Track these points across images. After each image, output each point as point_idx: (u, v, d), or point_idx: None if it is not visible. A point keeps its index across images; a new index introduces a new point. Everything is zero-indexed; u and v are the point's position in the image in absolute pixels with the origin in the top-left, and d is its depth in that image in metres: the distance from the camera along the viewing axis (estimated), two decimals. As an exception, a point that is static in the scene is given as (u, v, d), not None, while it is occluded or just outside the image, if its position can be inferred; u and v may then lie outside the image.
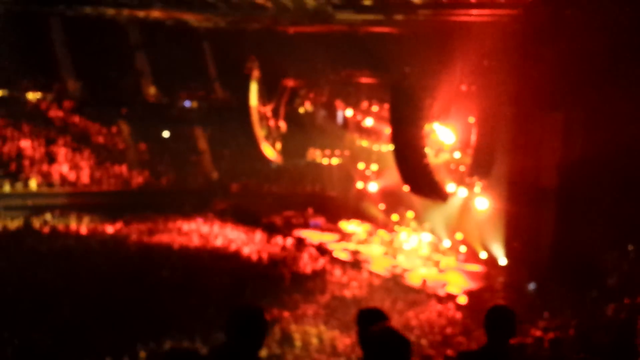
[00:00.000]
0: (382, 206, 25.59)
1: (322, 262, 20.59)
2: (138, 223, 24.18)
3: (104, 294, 15.34)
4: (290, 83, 28.77)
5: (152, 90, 31.12)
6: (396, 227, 23.89)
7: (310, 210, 26.88)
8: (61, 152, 27.47)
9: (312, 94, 29.21)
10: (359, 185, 27.16)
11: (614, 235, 15.73)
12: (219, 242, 22.34)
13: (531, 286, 17.01)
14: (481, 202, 19.59)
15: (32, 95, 29.37)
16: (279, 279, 18.43)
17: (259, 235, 23.38)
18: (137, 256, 20.05)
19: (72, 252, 19.91)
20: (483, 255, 20.09)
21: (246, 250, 21.27)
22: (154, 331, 13.21)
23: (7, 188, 25.18)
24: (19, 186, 25.48)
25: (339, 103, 27.91)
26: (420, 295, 17.73)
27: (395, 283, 18.97)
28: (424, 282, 18.77)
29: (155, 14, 26.25)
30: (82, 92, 30.07)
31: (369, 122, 26.26)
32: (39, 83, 29.40)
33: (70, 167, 27.05)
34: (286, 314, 15.35)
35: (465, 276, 19.69)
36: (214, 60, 31.45)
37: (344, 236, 24.44)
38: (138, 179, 28.22)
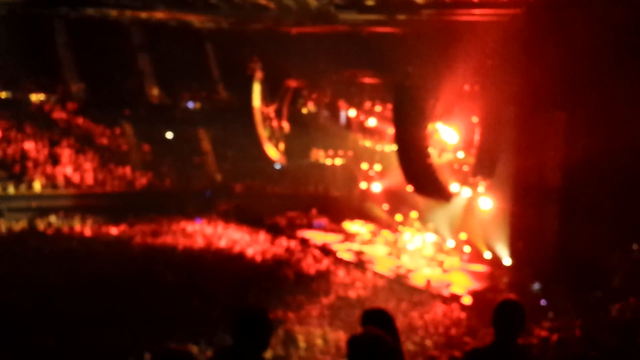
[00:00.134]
0: (385, 206, 25.57)
1: (326, 262, 20.59)
2: (142, 224, 24.20)
3: (107, 296, 15.34)
4: (293, 83, 28.78)
5: (155, 91, 31.17)
6: (400, 228, 23.86)
7: (313, 211, 26.88)
8: (65, 153, 27.51)
9: (315, 94, 29.22)
10: (363, 185, 27.15)
11: (618, 235, 15.68)
12: (222, 244, 22.34)
13: (535, 286, 16.96)
14: (485, 202, 19.56)
15: (36, 97, 29.41)
16: (283, 280, 18.41)
17: (262, 236, 23.39)
18: (141, 257, 20.05)
19: (76, 253, 19.93)
20: (487, 255, 20.06)
21: (250, 251, 21.26)
22: (158, 333, 13.19)
23: (11, 190, 25.23)
24: (23, 188, 25.51)
25: (342, 103, 27.91)
26: (425, 295, 17.71)
27: (399, 283, 18.95)
28: (428, 282, 18.74)
29: (158, 15, 26.32)
30: (86, 93, 30.11)
31: (372, 122, 26.24)
32: (43, 85, 29.45)
33: (74, 169, 27.08)
34: (290, 314, 15.34)
35: (469, 276, 19.65)
36: (216, 61, 31.51)
37: (348, 237, 24.43)
38: (142, 180, 28.24)
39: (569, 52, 15.60)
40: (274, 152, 29.11)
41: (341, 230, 25.32)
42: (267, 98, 28.90)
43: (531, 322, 12.51)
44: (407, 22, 20.92)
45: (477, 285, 18.63)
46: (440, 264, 20.57)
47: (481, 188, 19.71)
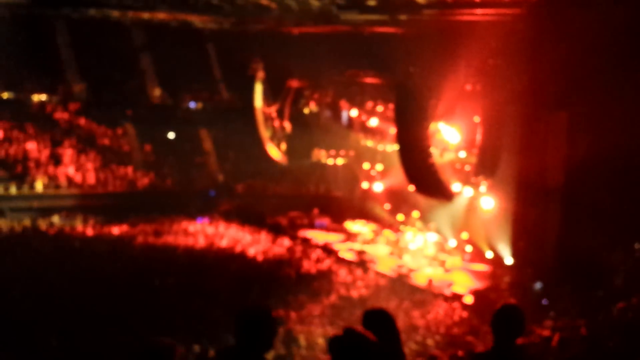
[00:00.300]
0: (387, 206, 25.57)
1: (327, 262, 20.59)
2: (144, 224, 24.22)
3: (109, 295, 15.34)
4: (294, 84, 28.78)
5: (157, 91, 31.18)
6: (402, 227, 23.86)
7: (315, 211, 26.89)
8: (67, 153, 27.55)
9: (317, 94, 29.20)
10: (364, 185, 27.15)
11: (620, 234, 15.67)
12: (224, 243, 22.35)
13: (537, 286, 16.96)
14: (487, 201, 19.56)
15: (38, 98, 29.45)
16: (285, 280, 18.40)
17: (264, 236, 23.39)
18: (142, 257, 20.06)
19: (78, 253, 19.97)
20: (489, 254, 20.06)
21: (252, 251, 21.27)
22: (160, 333, 13.18)
23: (13, 190, 25.28)
24: (25, 188, 25.56)
25: (343, 103, 27.89)
26: (426, 295, 17.70)
27: (401, 283, 18.93)
28: (430, 282, 18.73)
29: (160, 15, 26.32)
30: (88, 94, 30.14)
31: (373, 122, 26.22)
32: (45, 85, 29.47)
33: (76, 169, 27.13)
34: (292, 314, 15.34)
35: (471, 276, 19.65)
36: (218, 62, 31.52)
37: (350, 236, 24.43)
38: (143, 181, 28.27)
39: (570, 51, 15.59)
40: (275, 152, 29.11)
41: (343, 230, 25.32)
42: (268, 98, 28.90)
43: (533, 321, 12.50)
44: (409, 22, 20.92)
45: (478, 285, 18.63)
46: (442, 263, 20.57)
47: (483, 188, 19.72)
